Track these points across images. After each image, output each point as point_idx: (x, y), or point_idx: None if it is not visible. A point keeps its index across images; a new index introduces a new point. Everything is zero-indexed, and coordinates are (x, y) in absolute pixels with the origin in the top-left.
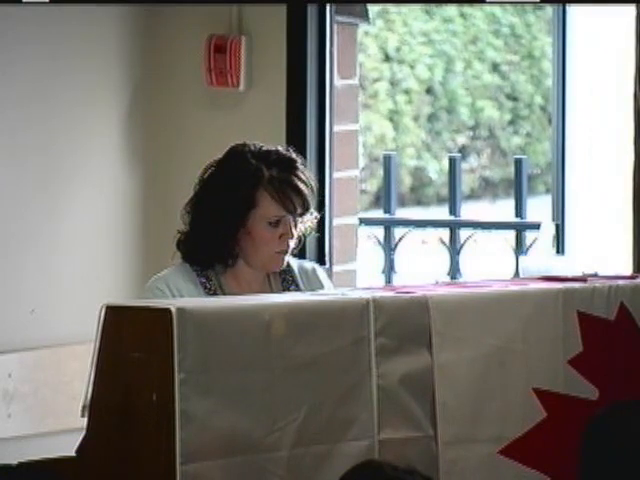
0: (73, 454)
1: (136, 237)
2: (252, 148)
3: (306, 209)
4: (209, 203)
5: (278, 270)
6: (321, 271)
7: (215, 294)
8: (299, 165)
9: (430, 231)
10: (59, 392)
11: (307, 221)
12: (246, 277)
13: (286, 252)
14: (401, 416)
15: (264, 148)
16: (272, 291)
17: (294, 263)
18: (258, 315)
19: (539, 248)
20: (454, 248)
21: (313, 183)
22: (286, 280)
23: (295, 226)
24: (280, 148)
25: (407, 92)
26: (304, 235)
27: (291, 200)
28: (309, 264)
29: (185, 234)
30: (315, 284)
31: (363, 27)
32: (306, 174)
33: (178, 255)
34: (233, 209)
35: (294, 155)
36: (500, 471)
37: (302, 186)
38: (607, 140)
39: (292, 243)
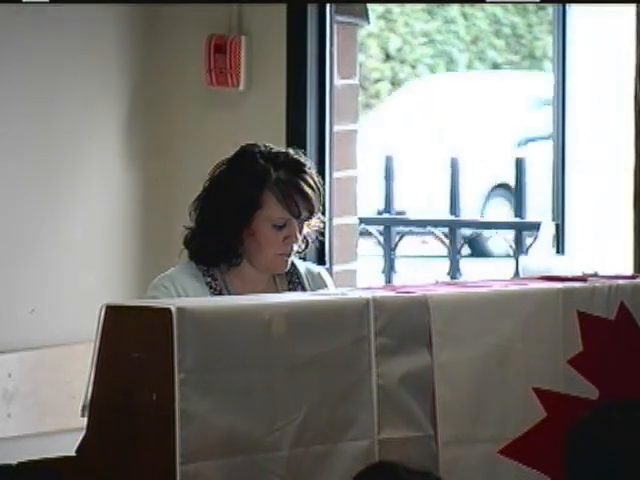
0: (73, 454)
1: (136, 237)
2: (262, 149)
3: (311, 213)
4: (216, 201)
5: (281, 272)
6: (328, 276)
7: (220, 294)
8: (307, 169)
9: (430, 231)
10: (59, 392)
11: (314, 224)
12: (252, 277)
13: (289, 255)
14: (401, 416)
15: (274, 150)
16: (278, 292)
17: (301, 265)
18: (258, 315)
19: (539, 248)
20: (454, 248)
21: (321, 187)
22: (292, 282)
23: (300, 230)
24: (290, 151)
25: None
26: (311, 238)
27: (296, 203)
28: (316, 268)
29: (192, 231)
30: (321, 288)
31: (364, 27)
32: (314, 178)
33: (184, 254)
34: (238, 208)
35: (303, 159)
36: (500, 471)
37: (308, 190)
38: (607, 140)
39: (296, 246)
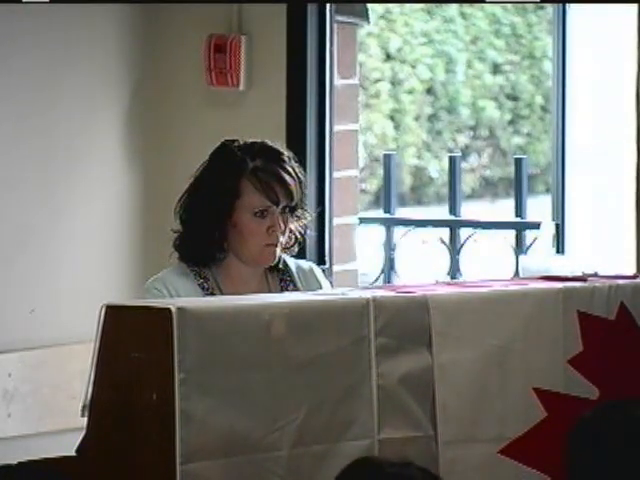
0: (73, 454)
1: (136, 237)
2: (240, 142)
3: (291, 200)
4: (197, 197)
5: (270, 264)
6: (318, 271)
7: (212, 294)
8: (285, 157)
9: (430, 231)
10: (59, 392)
11: (301, 219)
12: (243, 276)
13: (276, 245)
14: (401, 416)
15: (247, 140)
16: (270, 291)
17: (292, 263)
18: (258, 315)
19: (539, 248)
20: (454, 248)
21: (302, 177)
22: (284, 280)
23: (285, 221)
24: (268, 141)
25: (410, 92)
26: (301, 234)
27: (274, 190)
28: (306, 263)
29: (178, 231)
30: (313, 283)
31: (364, 27)
32: (294, 167)
33: (175, 255)
34: (218, 200)
35: (281, 148)
36: (500, 471)
37: (287, 177)
38: (607, 140)
39: (282, 237)
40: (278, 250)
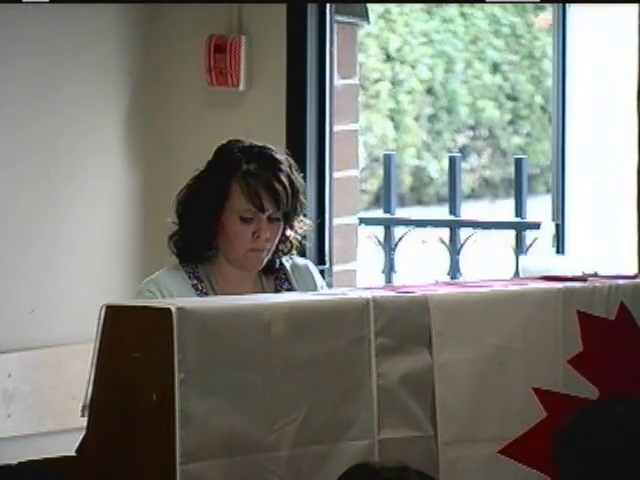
0: (73, 454)
1: (136, 237)
2: (242, 144)
3: (278, 209)
4: (192, 192)
5: (255, 269)
6: (314, 267)
7: (206, 295)
8: (281, 165)
9: (430, 231)
10: (59, 392)
11: (297, 227)
12: (236, 277)
13: (261, 251)
14: (401, 416)
15: (252, 143)
16: (264, 291)
17: (287, 261)
18: (258, 315)
19: (539, 248)
20: (454, 248)
21: (299, 187)
22: (279, 278)
23: (274, 228)
24: (270, 146)
25: (410, 92)
26: (299, 242)
27: (259, 196)
28: (302, 260)
29: (175, 229)
30: (308, 280)
31: (364, 27)
32: (290, 176)
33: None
34: (209, 198)
35: (282, 156)
36: (500, 471)
37: (277, 184)
38: (607, 140)
39: (269, 244)
40: (264, 256)
